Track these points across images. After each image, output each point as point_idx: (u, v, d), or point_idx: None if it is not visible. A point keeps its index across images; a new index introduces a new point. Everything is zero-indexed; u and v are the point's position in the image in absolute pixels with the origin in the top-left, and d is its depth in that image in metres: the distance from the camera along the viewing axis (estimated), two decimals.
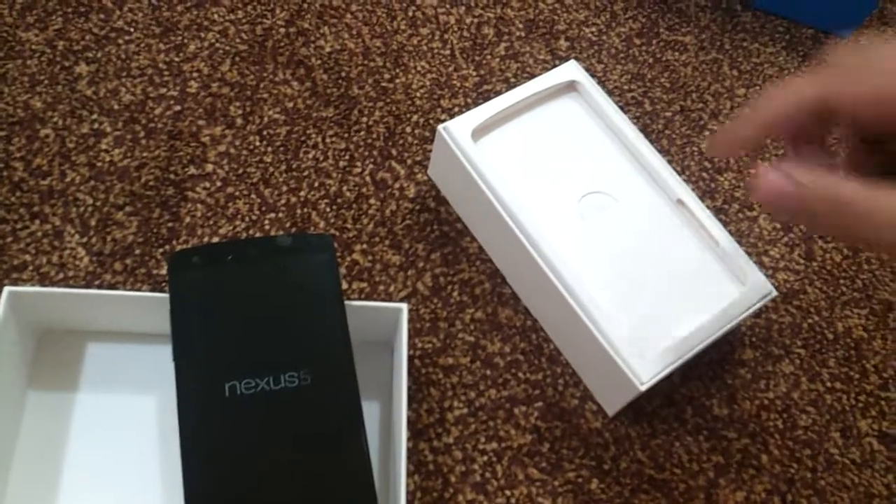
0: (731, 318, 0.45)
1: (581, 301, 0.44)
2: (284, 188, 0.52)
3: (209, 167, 0.52)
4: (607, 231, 0.48)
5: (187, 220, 0.50)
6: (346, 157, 0.54)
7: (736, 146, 0.33)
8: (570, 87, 0.53)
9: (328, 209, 0.52)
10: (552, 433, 0.46)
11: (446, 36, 0.61)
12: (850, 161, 0.33)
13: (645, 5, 0.65)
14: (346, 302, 0.41)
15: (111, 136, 0.53)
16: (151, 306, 0.42)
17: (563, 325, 0.47)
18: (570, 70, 0.53)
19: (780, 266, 0.54)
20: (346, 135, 0.55)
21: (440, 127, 0.49)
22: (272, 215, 0.51)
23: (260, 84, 0.56)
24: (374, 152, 0.55)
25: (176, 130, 0.54)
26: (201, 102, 0.55)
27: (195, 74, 0.56)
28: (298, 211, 0.52)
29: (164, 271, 0.48)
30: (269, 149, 0.54)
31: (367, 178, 0.54)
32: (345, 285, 0.49)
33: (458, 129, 0.49)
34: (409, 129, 0.56)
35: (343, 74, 0.58)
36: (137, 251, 0.49)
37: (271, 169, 0.53)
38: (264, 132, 0.54)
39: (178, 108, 0.55)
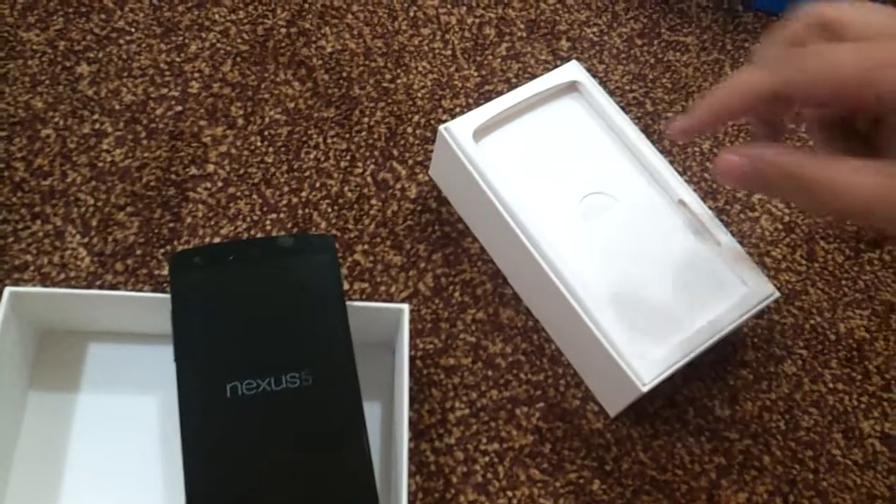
0: (733, 320, 0.45)
1: (582, 302, 0.44)
2: (286, 188, 0.52)
3: (210, 167, 0.52)
4: (609, 231, 0.48)
5: (188, 220, 0.50)
6: (348, 158, 0.54)
7: (692, 132, 0.35)
8: (572, 87, 0.53)
9: (329, 209, 0.52)
10: (554, 434, 0.46)
11: (447, 36, 0.61)
12: (821, 146, 0.34)
13: (646, 6, 0.65)
14: (348, 302, 0.41)
15: (112, 136, 0.53)
16: (153, 307, 0.42)
17: (564, 326, 0.47)
18: (572, 70, 0.52)
19: (782, 267, 0.54)
20: (347, 135, 0.55)
21: (441, 127, 0.49)
22: (273, 216, 0.51)
23: (261, 84, 0.56)
24: (376, 153, 0.55)
25: (177, 131, 0.54)
26: (202, 103, 0.55)
27: (196, 75, 0.56)
28: (300, 211, 0.52)
29: (165, 272, 0.48)
30: (271, 149, 0.54)
31: (369, 179, 0.54)
32: (346, 286, 0.49)
33: (459, 130, 0.49)
34: (410, 130, 0.56)
35: (344, 75, 0.58)
36: (139, 251, 0.49)
37: (273, 169, 0.53)
38: (265, 132, 0.54)
39: (179, 108, 0.54)
